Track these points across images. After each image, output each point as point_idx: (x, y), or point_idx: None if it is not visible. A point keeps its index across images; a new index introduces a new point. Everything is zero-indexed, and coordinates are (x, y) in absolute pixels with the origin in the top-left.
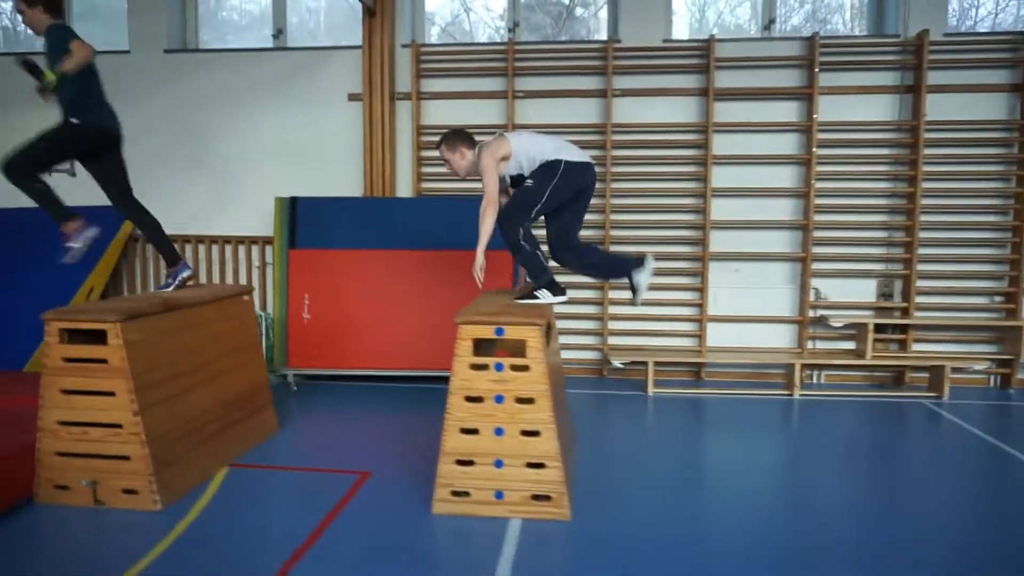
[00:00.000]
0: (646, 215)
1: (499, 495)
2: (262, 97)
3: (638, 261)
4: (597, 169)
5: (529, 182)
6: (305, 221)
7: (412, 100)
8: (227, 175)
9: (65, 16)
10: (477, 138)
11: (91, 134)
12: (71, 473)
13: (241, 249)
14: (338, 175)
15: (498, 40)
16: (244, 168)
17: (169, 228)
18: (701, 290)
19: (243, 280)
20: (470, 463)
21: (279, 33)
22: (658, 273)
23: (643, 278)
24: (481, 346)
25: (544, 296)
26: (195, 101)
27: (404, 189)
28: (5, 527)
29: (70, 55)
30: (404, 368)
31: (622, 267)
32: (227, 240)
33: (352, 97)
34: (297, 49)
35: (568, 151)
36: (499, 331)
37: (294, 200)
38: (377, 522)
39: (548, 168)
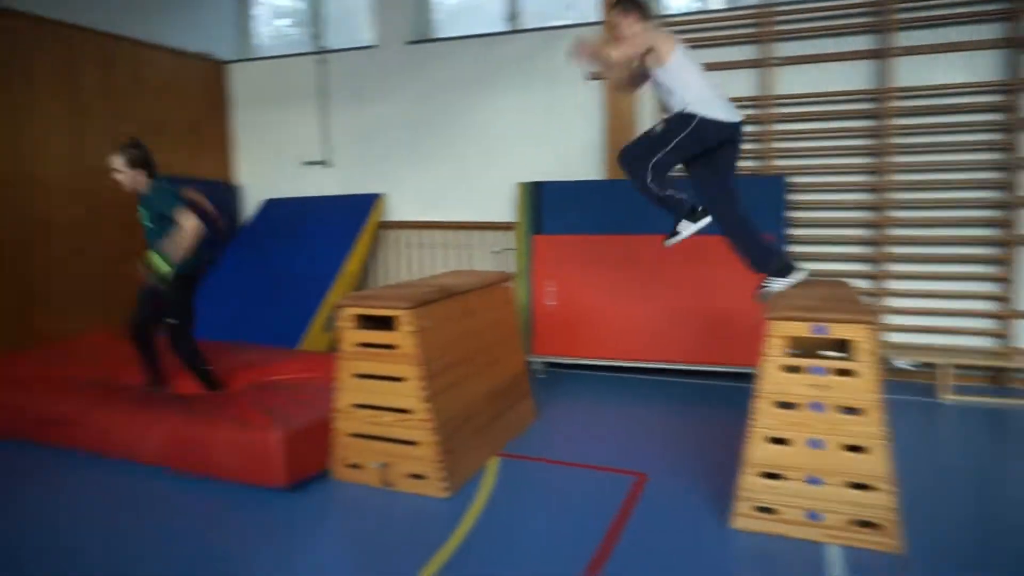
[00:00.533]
0: (932, 193)
1: (813, 516)
2: (500, 80)
3: (788, 266)
4: (866, 141)
5: (659, 127)
6: (550, 206)
7: None
8: (468, 162)
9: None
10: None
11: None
12: (363, 454)
13: (479, 235)
14: (578, 158)
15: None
16: (484, 154)
17: (414, 214)
18: (1005, 280)
19: (480, 266)
20: (778, 477)
21: (513, 16)
22: (949, 260)
23: (777, 286)
24: (795, 344)
25: (686, 229)
26: (438, 88)
27: None
28: (306, 497)
29: (180, 233)
30: (653, 360)
31: (766, 260)
32: (465, 226)
33: (592, 75)
34: (536, 30)
35: (710, 104)
36: (819, 329)
37: (539, 185)
38: (672, 533)
39: (681, 119)
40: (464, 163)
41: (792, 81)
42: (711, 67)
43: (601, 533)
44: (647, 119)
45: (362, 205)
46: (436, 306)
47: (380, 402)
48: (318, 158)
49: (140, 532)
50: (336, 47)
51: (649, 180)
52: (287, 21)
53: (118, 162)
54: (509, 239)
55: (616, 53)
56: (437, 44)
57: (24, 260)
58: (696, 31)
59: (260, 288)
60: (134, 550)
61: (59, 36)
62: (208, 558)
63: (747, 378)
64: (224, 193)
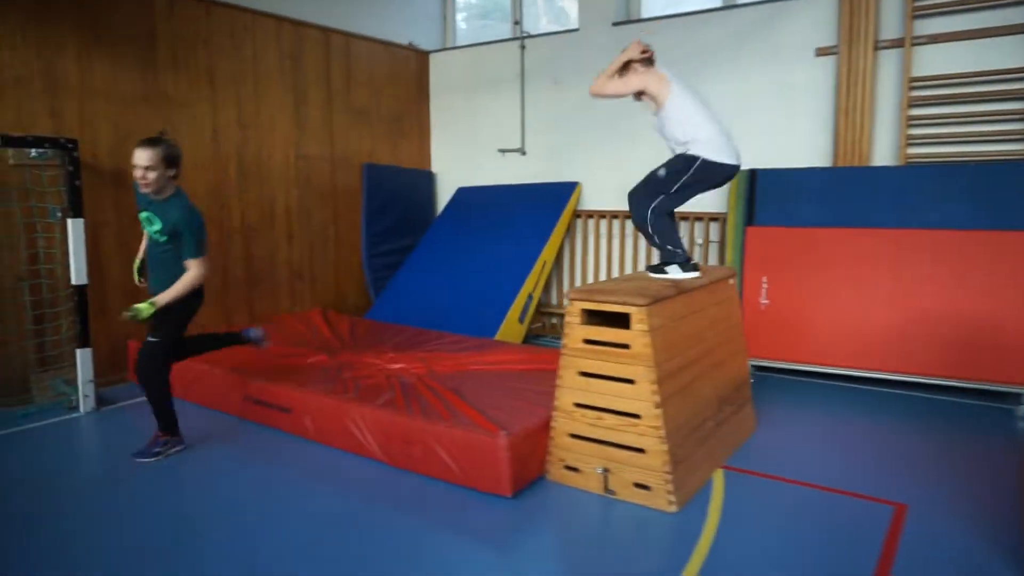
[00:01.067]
0: None
1: None
2: (712, 60)
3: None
4: None
5: (662, 171)
6: (765, 195)
7: (904, 47)
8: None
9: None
10: None
11: None
12: (583, 457)
13: (681, 226)
14: (800, 143)
15: None
16: None
17: (610, 203)
18: None
19: None
20: None
21: None
22: None
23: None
24: None
25: (673, 272)
26: None
27: (883, 156)
28: (524, 499)
29: (186, 278)
30: (883, 370)
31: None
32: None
33: (821, 52)
34: (753, 4)
35: (712, 145)
36: None
37: (753, 172)
38: None
39: (683, 161)
40: (665, 149)
41: None
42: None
43: (867, 573)
44: (888, 97)
45: (559, 193)
46: (669, 303)
47: (605, 404)
48: (513, 146)
49: (362, 527)
50: (535, 32)
51: (650, 221)
52: (483, 10)
53: (152, 157)
54: (713, 231)
55: (609, 87)
56: (644, 24)
57: (255, 243)
58: None
59: (455, 276)
60: (354, 547)
61: (285, 31)
62: (418, 557)
63: (1003, 397)
64: (425, 181)
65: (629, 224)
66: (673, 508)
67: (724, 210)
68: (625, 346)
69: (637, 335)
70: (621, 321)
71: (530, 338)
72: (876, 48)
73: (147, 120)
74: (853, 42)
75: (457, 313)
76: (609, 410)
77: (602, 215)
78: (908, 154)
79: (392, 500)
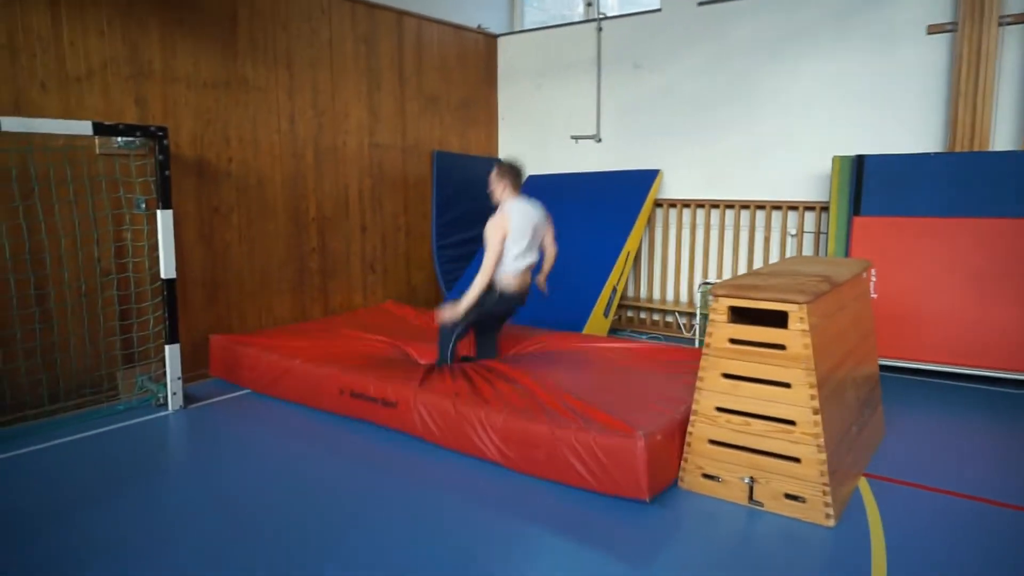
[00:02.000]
0: None
1: None
2: (810, 41)
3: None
4: None
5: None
6: (873, 183)
7: None
8: (760, 134)
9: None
10: None
11: None
12: (724, 464)
13: (771, 216)
14: (907, 127)
15: None
16: (783, 125)
17: (695, 192)
18: None
19: (775, 249)
20: None
21: None
22: None
23: None
24: None
25: None
26: (731, 53)
27: (1004, 140)
28: (660, 508)
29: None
30: (1008, 370)
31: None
32: (754, 205)
33: (934, 29)
34: None
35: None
36: None
37: (860, 159)
38: None
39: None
40: (756, 135)
41: None
42: None
43: None
44: (1012, 78)
45: (639, 181)
46: (823, 299)
47: (754, 409)
48: (588, 132)
49: (492, 535)
50: (612, 14)
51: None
52: None
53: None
54: (808, 220)
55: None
56: (734, 3)
57: (330, 233)
58: None
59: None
60: (482, 554)
61: (360, 14)
62: (554, 569)
63: None
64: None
65: (715, 213)
66: (831, 522)
67: (822, 198)
68: (780, 346)
69: (796, 335)
70: (769, 319)
71: (612, 332)
72: (1001, 24)
73: (227, 107)
74: (973, 18)
75: (541, 307)
76: (758, 415)
77: (685, 204)
78: None
79: (519, 507)
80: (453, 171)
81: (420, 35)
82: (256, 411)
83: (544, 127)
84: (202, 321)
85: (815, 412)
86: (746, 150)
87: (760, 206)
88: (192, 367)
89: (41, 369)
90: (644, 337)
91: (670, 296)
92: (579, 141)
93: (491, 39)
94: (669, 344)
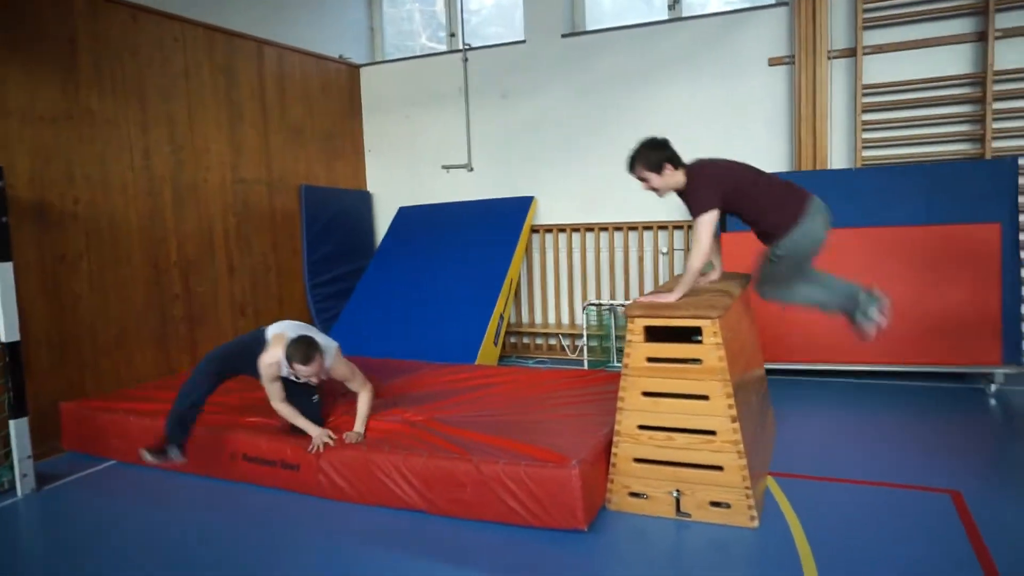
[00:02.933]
0: None
1: None
2: (664, 74)
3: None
4: None
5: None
6: None
7: (856, 56)
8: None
9: None
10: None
11: None
12: (650, 481)
13: (643, 236)
14: (756, 150)
15: None
16: None
17: (569, 216)
18: None
19: (648, 268)
20: None
21: (675, 3)
22: None
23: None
24: None
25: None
26: (593, 84)
27: (839, 159)
28: (595, 532)
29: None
30: (867, 363)
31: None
32: (632, 227)
33: (774, 61)
34: (703, 16)
35: None
36: None
37: None
38: None
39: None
40: (622, 160)
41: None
42: (922, 44)
43: (971, 558)
44: (842, 105)
45: (515, 208)
46: (729, 313)
47: (675, 423)
48: (460, 162)
49: None
50: (476, 44)
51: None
52: (418, 22)
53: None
54: (678, 239)
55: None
56: (594, 36)
57: (195, 277)
58: (909, 3)
59: (416, 302)
60: None
61: (218, 42)
62: None
63: (971, 378)
64: (363, 203)
65: (590, 236)
66: (755, 523)
67: (687, 218)
68: (696, 361)
69: (711, 348)
70: (680, 336)
71: (500, 360)
72: (829, 58)
73: (70, 143)
74: (804, 52)
75: (429, 341)
76: (680, 429)
77: (561, 229)
78: (864, 157)
79: (450, 551)
80: (322, 205)
81: (281, 64)
82: (129, 485)
83: (414, 157)
84: (49, 386)
85: (733, 420)
86: (614, 174)
87: (632, 227)
88: (40, 441)
89: None
90: (531, 362)
91: (552, 319)
92: (451, 171)
93: (354, 69)
94: (569, 369)
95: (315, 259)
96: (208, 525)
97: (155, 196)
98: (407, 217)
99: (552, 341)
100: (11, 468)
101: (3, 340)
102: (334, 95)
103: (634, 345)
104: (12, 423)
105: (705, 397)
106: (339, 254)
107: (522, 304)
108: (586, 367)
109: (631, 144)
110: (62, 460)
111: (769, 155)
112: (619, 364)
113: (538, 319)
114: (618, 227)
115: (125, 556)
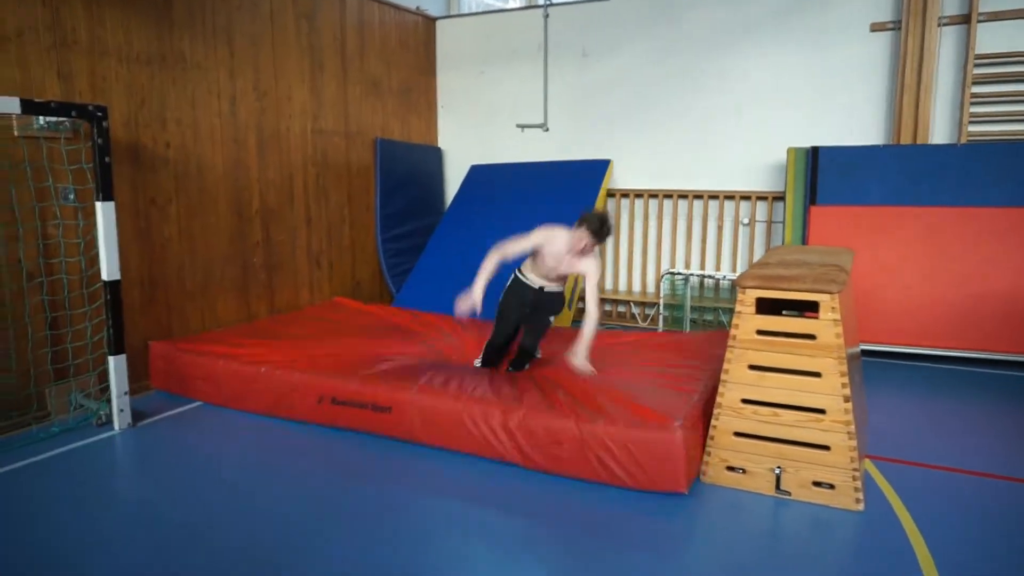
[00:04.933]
0: None
1: None
2: (757, 35)
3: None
4: None
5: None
6: (829, 173)
7: (969, 24)
8: (712, 125)
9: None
10: None
11: None
12: (750, 456)
13: (723, 205)
14: (848, 122)
15: None
16: (733, 116)
17: (645, 182)
18: None
19: (727, 238)
20: None
21: None
22: None
23: None
24: None
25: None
26: (676, 45)
27: (942, 134)
28: (690, 503)
29: None
30: (957, 348)
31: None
32: (706, 196)
33: (876, 27)
34: None
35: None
36: None
37: (815, 150)
38: None
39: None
40: (706, 125)
41: None
42: None
43: None
44: (949, 75)
45: (591, 171)
46: (846, 288)
47: (781, 399)
48: (535, 121)
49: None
50: (558, 1)
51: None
52: None
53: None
54: (761, 210)
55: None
56: None
57: (275, 226)
58: None
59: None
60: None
61: None
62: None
63: None
64: (434, 159)
65: (667, 203)
66: (860, 506)
67: (774, 188)
68: (809, 336)
69: (828, 324)
70: (794, 308)
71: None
72: (940, 24)
73: (163, 86)
74: (916, 18)
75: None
76: (787, 405)
77: (638, 194)
78: (969, 132)
79: (541, 508)
80: (396, 160)
81: (361, 14)
82: (217, 425)
83: (487, 115)
84: (139, 326)
85: (846, 400)
86: (694, 140)
87: (713, 196)
88: (131, 379)
89: None
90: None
91: (623, 286)
92: (525, 130)
93: (430, 22)
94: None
95: (388, 213)
96: (299, 468)
97: (240, 144)
98: (480, 175)
99: (622, 308)
100: (108, 403)
101: (106, 279)
102: (411, 48)
103: (743, 317)
104: (111, 359)
105: (817, 374)
106: (410, 210)
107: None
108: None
109: (715, 108)
110: (151, 398)
111: (863, 128)
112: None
113: (608, 285)
114: (698, 195)
115: (222, 492)
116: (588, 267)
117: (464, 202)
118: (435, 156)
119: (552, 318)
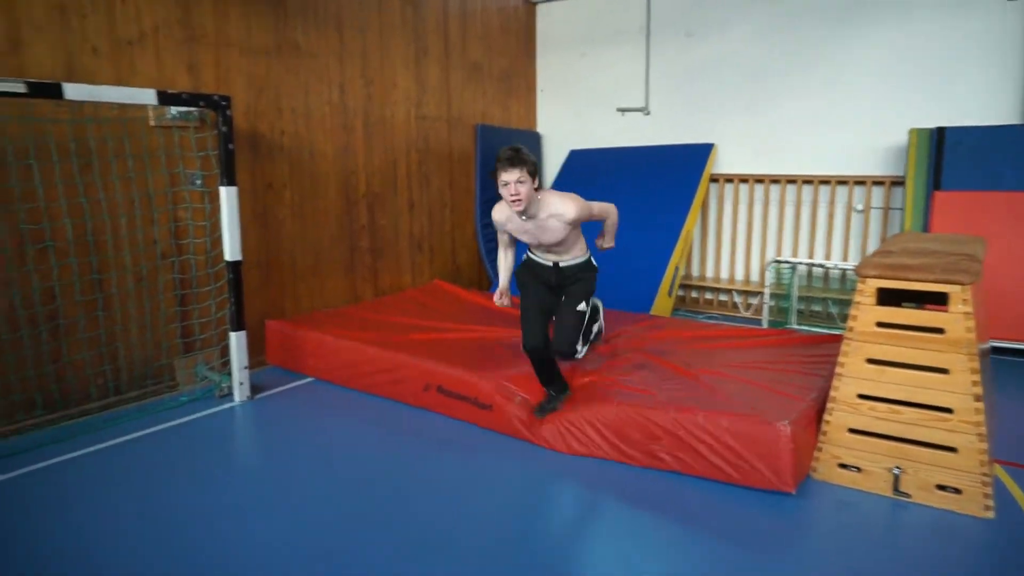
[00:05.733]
0: None
1: None
2: (867, 10)
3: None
4: None
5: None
6: (955, 156)
7: None
8: (820, 106)
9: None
10: None
11: None
12: (865, 454)
13: (833, 191)
14: (976, 98)
15: None
16: (844, 96)
17: (750, 166)
18: None
19: (839, 226)
20: None
21: None
22: None
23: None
24: None
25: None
26: (785, 22)
27: None
28: (801, 501)
29: None
30: None
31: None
32: (824, 180)
33: None
34: None
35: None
36: None
37: (940, 131)
38: None
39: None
40: (815, 107)
41: None
42: None
43: None
44: None
45: (694, 156)
46: (978, 280)
47: (902, 396)
48: (636, 105)
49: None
50: None
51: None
52: None
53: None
54: (876, 196)
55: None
56: None
57: (379, 211)
58: None
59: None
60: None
61: None
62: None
63: None
64: (533, 143)
65: (774, 188)
66: (990, 514)
67: (891, 172)
68: (937, 330)
69: (958, 317)
70: (913, 300)
71: (674, 312)
72: None
73: (279, 75)
74: None
75: (602, 287)
76: (908, 403)
77: (743, 179)
78: None
79: (646, 503)
80: (496, 146)
81: (464, 1)
82: (329, 401)
83: (587, 98)
84: (256, 305)
85: (977, 399)
86: (805, 122)
87: (824, 181)
88: (249, 354)
89: (106, 359)
90: (701, 318)
91: (724, 274)
92: (626, 114)
93: (530, 6)
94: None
95: (487, 198)
96: (411, 449)
97: (348, 130)
98: (579, 160)
99: (723, 297)
100: (229, 376)
101: (228, 259)
102: (512, 32)
103: (862, 308)
104: (233, 335)
105: (944, 371)
106: None
107: (693, 256)
108: (765, 327)
109: (825, 88)
110: (266, 373)
111: (993, 104)
112: (799, 325)
113: (710, 273)
114: (807, 180)
115: (338, 463)
116: (559, 208)
117: (563, 187)
118: (533, 140)
119: (583, 304)
